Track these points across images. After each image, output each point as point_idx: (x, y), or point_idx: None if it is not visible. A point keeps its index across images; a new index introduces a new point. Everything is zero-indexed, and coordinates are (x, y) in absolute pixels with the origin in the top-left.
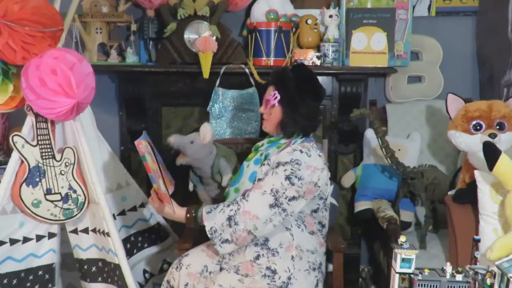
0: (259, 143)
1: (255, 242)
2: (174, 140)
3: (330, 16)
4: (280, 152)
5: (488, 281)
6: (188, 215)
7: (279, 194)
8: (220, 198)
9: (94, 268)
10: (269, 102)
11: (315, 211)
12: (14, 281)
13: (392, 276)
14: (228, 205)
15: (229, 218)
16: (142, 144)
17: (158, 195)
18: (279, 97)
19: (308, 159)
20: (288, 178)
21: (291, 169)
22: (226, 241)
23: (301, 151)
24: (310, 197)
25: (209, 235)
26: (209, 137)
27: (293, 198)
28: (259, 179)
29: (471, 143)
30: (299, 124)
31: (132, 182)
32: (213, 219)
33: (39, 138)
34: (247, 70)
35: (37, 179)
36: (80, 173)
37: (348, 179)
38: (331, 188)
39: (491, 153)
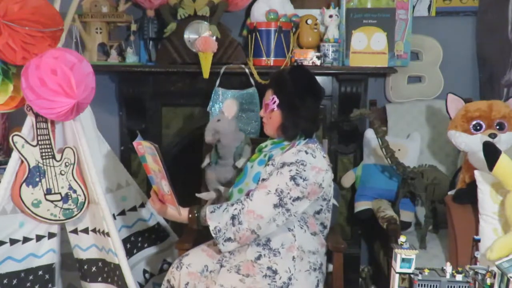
0: (263, 144)
1: (257, 242)
2: (207, 135)
3: (330, 16)
4: (284, 153)
5: (488, 281)
6: (190, 216)
7: (284, 194)
8: (227, 182)
9: (94, 268)
10: (268, 107)
11: (318, 212)
12: (14, 281)
13: (392, 276)
14: (232, 204)
15: (233, 217)
16: (142, 145)
17: (159, 196)
18: (277, 101)
19: (313, 160)
20: (293, 178)
21: (296, 170)
22: (229, 239)
23: (306, 152)
24: (314, 198)
25: (213, 235)
26: (234, 111)
27: (297, 198)
28: (263, 179)
29: (471, 143)
30: (300, 127)
31: (132, 182)
32: (217, 218)
33: (39, 138)
34: (247, 70)
35: (37, 179)
36: (80, 173)
37: (348, 179)
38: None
39: (491, 153)
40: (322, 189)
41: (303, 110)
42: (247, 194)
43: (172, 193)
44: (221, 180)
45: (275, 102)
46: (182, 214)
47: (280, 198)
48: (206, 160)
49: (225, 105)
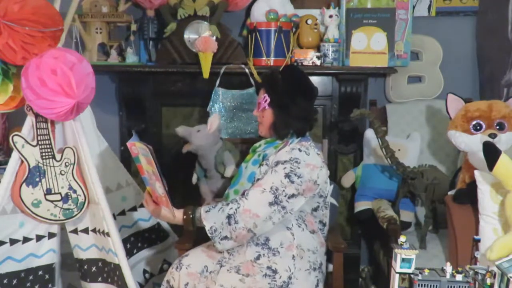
0: (257, 144)
1: (256, 242)
2: (181, 129)
3: (330, 16)
4: (278, 152)
5: (488, 281)
6: (185, 217)
7: (279, 192)
8: (221, 192)
9: (94, 268)
10: (260, 105)
11: (315, 209)
12: (14, 281)
13: (392, 276)
14: (228, 204)
15: (229, 217)
16: (135, 146)
17: (153, 197)
18: (269, 99)
19: (307, 158)
20: (287, 176)
21: (291, 167)
22: (225, 237)
23: (299, 150)
24: (309, 195)
25: (209, 235)
26: (216, 126)
27: (293, 195)
28: (258, 179)
29: (471, 143)
30: (291, 126)
31: (132, 182)
32: (212, 218)
33: (39, 138)
34: (247, 70)
35: (37, 179)
36: (80, 173)
37: (348, 179)
38: (331, 188)
39: (491, 153)
40: (317, 186)
41: (294, 109)
42: (242, 194)
43: (166, 195)
44: (214, 191)
45: (266, 100)
46: (176, 215)
47: (276, 196)
48: (195, 176)
49: (210, 118)
